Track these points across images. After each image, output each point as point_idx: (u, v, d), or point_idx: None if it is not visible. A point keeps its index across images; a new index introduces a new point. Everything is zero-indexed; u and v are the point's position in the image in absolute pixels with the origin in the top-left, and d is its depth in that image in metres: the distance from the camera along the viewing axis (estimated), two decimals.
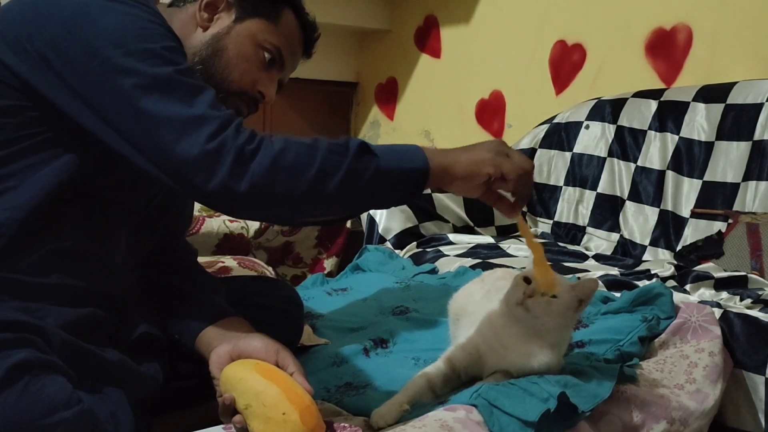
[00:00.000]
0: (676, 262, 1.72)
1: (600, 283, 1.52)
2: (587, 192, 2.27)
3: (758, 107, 1.93)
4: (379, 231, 2.13)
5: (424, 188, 0.96)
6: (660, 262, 1.79)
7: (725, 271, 1.60)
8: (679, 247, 1.97)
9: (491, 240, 2.07)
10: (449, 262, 1.87)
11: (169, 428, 1.08)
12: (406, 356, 1.28)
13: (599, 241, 2.19)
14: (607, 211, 2.21)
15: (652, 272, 1.65)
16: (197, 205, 1.70)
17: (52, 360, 0.81)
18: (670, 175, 2.08)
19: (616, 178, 2.21)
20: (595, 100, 2.35)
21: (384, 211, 2.13)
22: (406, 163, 0.94)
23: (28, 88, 0.89)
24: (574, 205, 2.29)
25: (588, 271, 1.72)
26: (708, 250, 1.82)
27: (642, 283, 1.53)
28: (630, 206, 2.16)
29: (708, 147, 2.02)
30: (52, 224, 0.91)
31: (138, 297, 1.06)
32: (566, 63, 2.62)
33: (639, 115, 2.20)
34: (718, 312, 1.36)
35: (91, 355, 0.89)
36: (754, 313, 1.37)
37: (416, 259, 1.97)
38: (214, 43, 1.05)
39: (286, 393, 0.86)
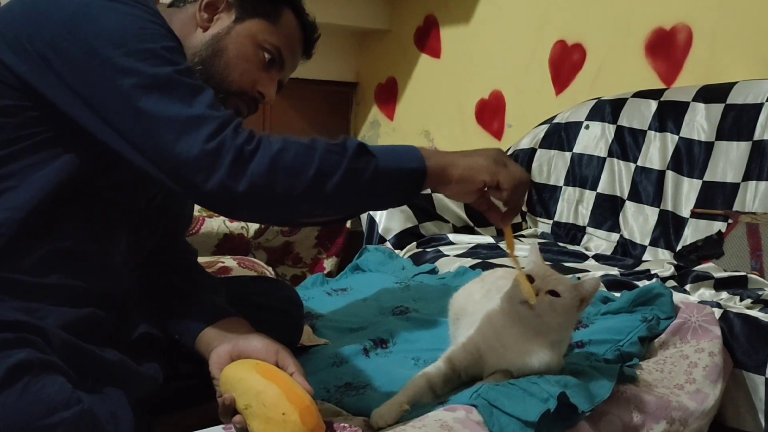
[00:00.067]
0: (676, 262, 1.72)
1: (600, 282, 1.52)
2: (587, 192, 2.27)
3: (758, 107, 1.93)
4: (379, 231, 2.13)
5: (422, 188, 0.96)
6: (660, 262, 1.79)
7: (725, 271, 1.61)
8: (679, 247, 1.97)
9: (491, 240, 2.07)
10: (449, 262, 1.87)
11: (169, 428, 1.08)
12: (406, 356, 1.28)
13: (599, 241, 2.19)
14: (607, 211, 2.21)
15: (652, 272, 1.65)
16: (197, 206, 1.70)
17: (52, 360, 0.81)
18: (670, 175, 2.08)
19: (616, 178, 2.22)
20: (595, 100, 2.35)
21: (384, 211, 2.13)
22: (404, 163, 0.94)
23: (28, 88, 0.89)
24: (574, 205, 2.29)
25: (588, 271, 1.72)
26: (708, 250, 1.82)
27: (642, 283, 1.53)
28: (630, 206, 2.16)
29: (708, 147, 2.02)
30: (52, 224, 0.91)
31: (138, 297, 1.06)
32: (566, 63, 2.62)
33: (639, 115, 2.20)
34: (718, 312, 1.36)
35: (91, 355, 0.89)
36: (754, 313, 1.37)
37: (416, 259, 1.97)
38: (214, 43, 1.05)
39: (286, 393, 0.86)
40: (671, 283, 1.58)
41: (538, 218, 2.37)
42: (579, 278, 1.50)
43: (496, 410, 0.94)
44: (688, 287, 1.55)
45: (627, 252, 2.10)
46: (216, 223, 2.10)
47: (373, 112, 3.49)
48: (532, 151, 2.42)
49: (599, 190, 2.24)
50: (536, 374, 1.03)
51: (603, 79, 2.50)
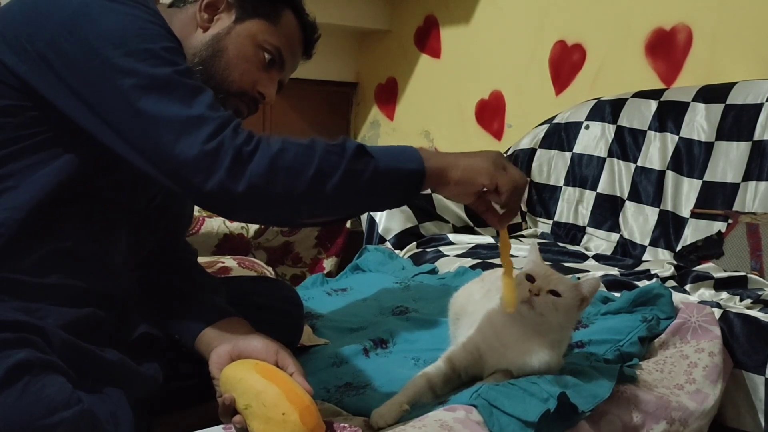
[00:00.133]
0: (676, 263, 1.72)
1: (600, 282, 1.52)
2: (587, 192, 2.27)
3: (758, 107, 1.93)
4: (379, 231, 2.13)
5: (421, 189, 0.96)
6: (660, 262, 1.79)
7: (725, 271, 1.61)
8: (679, 247, 1.97)
9: (491, 240, 2.07)
10: (449, 262, 1.87)
11: (169, 428, 1.08)
12: (406, 356, 1.28)
13: (599, 241, 2.19)
14: (607, 211, 2.21)
15: (652, 272, 1.65)
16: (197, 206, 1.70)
17: (52, 360, 0.81)
18: (670, 175, 2.08)
19: (616, 178, 2.22)
20: (595, 100, 2.35)
21: (384, 212, 2.13)
22: (403, 164, 0.94)
23: (28, 88, 0.89)
24: (574, 205, 2.29)
25: (588, 271, 1.72)
26: (708, 250, 1.82)
27: (642, 284, 1.53)
28: (630, 206, 2.16)
29: (708, 147, 2.02)
30: (52, 224, 0.91)
31: (138, 297, 1.06)
32: (566, 63, 2.62)
33: (639, 115, 2.20)
34: (718, 312, 1.36)
35: (91, 355, 0.89)
36: (754, 313, 1.37)
37: (416, 259, 1.97)
38: (214, 43, 1.05)
39: (286, 393, 0.86)
40: (671, 283, 1.58)
41: (538, 218, 2.37)
42: (579, 278, 1.50)
43: (496, 410, 0.94)
44: (688, 287, 1.55)
45: (627, 252, 2.10)
46: (216, 223, 2.10)
47: (373, 112, 3.49)
48: (532, 151, 2.42)
49: (599, 190, 2.24)
50: (536, 374, 1.03)
51: (603, 79, 2.50)
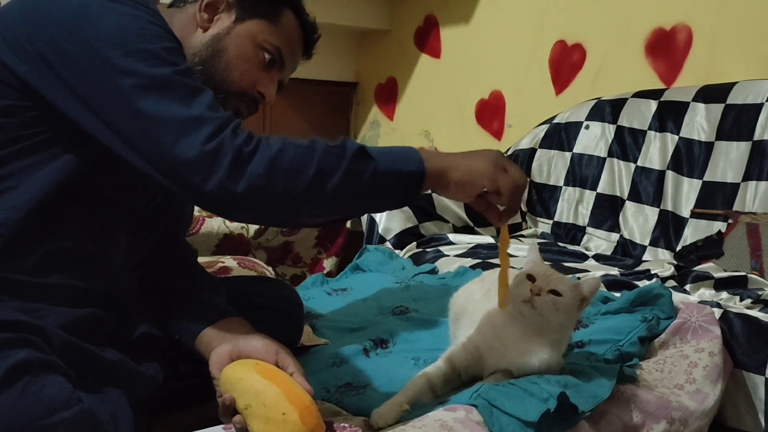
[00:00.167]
0: (676, 262, 1.72)
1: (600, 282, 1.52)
2: (587, 192, 2.27)
3: (758, 107, 1.93)
4: (379, 231, 2.13)
5: (421, 191, 0.96)
6: (660, 262, 1.79)
7: (725, 271, 1.60)
8: (679, 247, 1.97)
9: (491, 240, 2.07)
10: (449, 262, 1.87)
11: (169, 428, 1.08)
12: (406, 356, 1.28)
13: (599, 241, 2.19)
14: (607, 211, 2.21)
15: (652, 272, 1.65)
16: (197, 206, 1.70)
17: (52, 360, 0.81)
18: (670, 175, 2.08)
19: (616, 178, 2.22)
20: (595, 100, 2.35)
21: (384, 212, 2.13)
22: (403, 165, 0.94)
23: (28, 88, 0.89)
24: (574, 205, 2.29)
25: (588, 271, 1.72)
26: (708, 250, 1.82)
27: (642, 283, 1.53)
28: (630, 206, 2.16)
29: (708, 147, 2.02)
30: (52, 224, 0.91)
31: (138, 297, 1.06)
32: (566, 63, 2.62)
33: (639, 115, 2.20)
34: (718, 312, 1.36)
35: (91, 355, 0.89)
36: (754, 313, 1.37)
37: (416, 259, 1.97)
38: (214, 43, 1.05)
39: (286, 393, 0.86)
40: (671, 283, 1.58)
41: (538, 218, 2.37)
42: (579, 278, 1.49)
43: (496, 410, 0.94)
44: (688, 287, 1.55)
45: (627, 252, 2.10)
46: (216, 223, 2.10)
47: (373, 112, 3.49)
48: (532, 151, 2.42)
49: (599, 190, 2.24)
50: (536, 374, 1.03)
51: (603, 79, 2.50)
